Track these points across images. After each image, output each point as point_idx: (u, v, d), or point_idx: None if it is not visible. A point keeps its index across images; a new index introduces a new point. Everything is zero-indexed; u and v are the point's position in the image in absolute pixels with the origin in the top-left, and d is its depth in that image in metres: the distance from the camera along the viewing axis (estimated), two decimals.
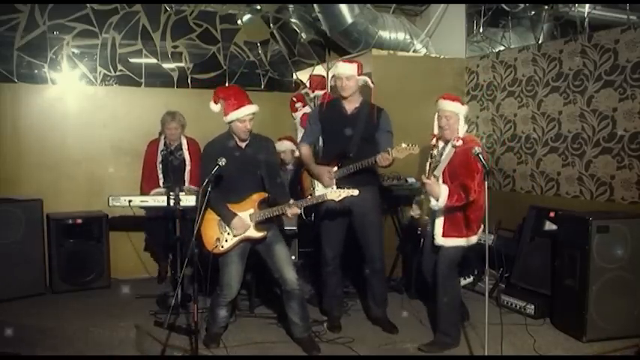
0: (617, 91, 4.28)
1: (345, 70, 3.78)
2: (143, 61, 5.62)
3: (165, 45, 5.67)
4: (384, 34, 5.64)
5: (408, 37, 5.79)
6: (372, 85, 4.01)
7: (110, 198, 4.46)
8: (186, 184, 4.79)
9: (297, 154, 4.99)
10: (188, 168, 4.84)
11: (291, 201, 3.55)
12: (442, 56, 5.70)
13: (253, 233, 3.53)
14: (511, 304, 4.39)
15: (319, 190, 3.80)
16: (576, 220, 3.89)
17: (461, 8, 5.89)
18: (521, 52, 5.14)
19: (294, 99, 5.67)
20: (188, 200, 4.29)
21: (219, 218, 3.55)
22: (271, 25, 6.10)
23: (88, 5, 5.36)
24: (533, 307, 4.23)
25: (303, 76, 6.18)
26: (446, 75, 5.55)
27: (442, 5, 5.93)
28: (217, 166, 3.27)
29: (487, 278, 3.38)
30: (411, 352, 3.68)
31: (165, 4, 5.63)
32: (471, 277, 4.96)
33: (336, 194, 3.41)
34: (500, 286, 4.70)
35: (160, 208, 4.43)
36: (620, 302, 3.78)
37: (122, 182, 5.18)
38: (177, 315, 4.13)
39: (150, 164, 4.92)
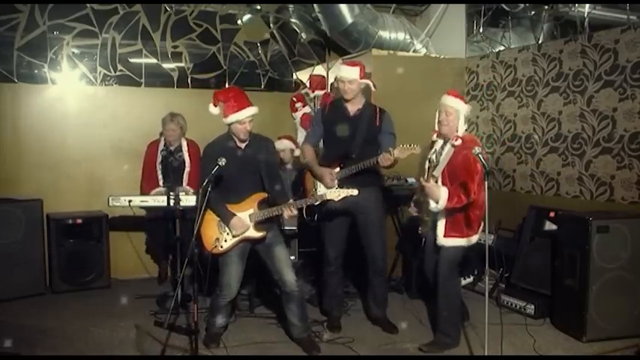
0: (617, 91, 4.28)
1: (347, 73, 3.79)
2: (143, 61, 5.62)
3: (165, 45, 5.67)
4: (384, 34, 5.64)
5: (408, 37, 5.79)
6: (374, 88, 4.01)
7: (110, 198, 4.46)
8: (184, 185, 4.78)
9: (296, 153, 5.00)
10: (187, 170, 4.84)
11: (291, 201, 3.55)
12: (442, 56, 5.70)
13: (253, 233, 3.53)
14: (511, 304, 4.39)
15: (321, 190, 3.80)
16: (576, 220, 3.89)
17: (461, 8, 5.89)
18: (521, 52, 5.14)
19: (294, 99, 5.67)
20: (188, 200, 4.29)
21: (218, 218, 3.55)
22: (271, 25, 6.10)
23: (88, 5, 5.36)
24: (533, 307, 4.23)
25: (303, 76, 6.18)
26: (446, 75, 5.55)
27: (442, 5, 5.93)
28: (217, 166, 3.27)
29: (487, 278, 3.38)
30: (411, 352, 3.68)
31: (165, 4, 5.63)
32: (471, 277, 4.96)
33: (335, 194, 3.42)
34: (500, 286, 4.70)
35: (160, 208, 4.43)
36: (620, 302, 3.78)
37: (122, 182, 5.18)
38: (177, 315, 4.13)
39: (150, 164, 4.92)
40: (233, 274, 3.57)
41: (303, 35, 6.21)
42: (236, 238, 3.52)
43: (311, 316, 3.92)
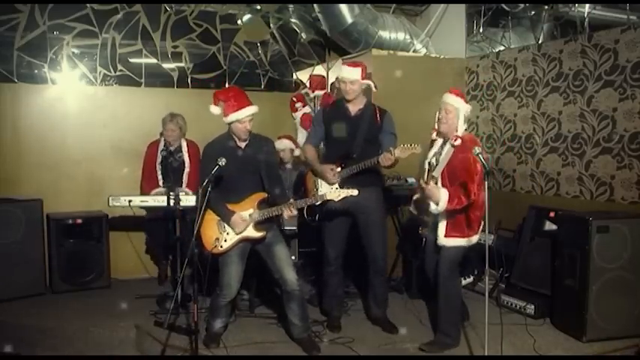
0: (617, 91, 4.28)
1: (349, 74, 3.79)
2: (143, 61, 5.62)
3: (165, 45, 5.67)
4: (384, 34, 5.64)
5: (408, 37, 5.79)
6: (375, 89, 4.01)
7: (110, 198, 4.46)
8: (184, 185, 4.78)
9: (296, 153, 5.00)
10: (187, 170, 4.84)
11: (291, 200, 3.55)
12: (442, 56, 5.70)
13: (253, 233, 3.53)
14: (511, 304, 4.39)
15: (322, 190, 3.80)
16: (576, 220, 3.89)
17: (461, 8, 5.89)
18: (521, 52, 5.14)
19: (294, 99, 5.67)
20: (188, 200, 4.29)
21: (218, 218, 3.55)
22: (271, 25, 6.10)
23: (88, 5, 5.36)
24: (533, 307, 4.23)
25: (303, 76, 6.18)
26: (446, 75, 5.55)
27: (442, 5, 5.93)
28: (217, 166, 3.27)
29: (487, 278, 3.38)
30: (411, 352, 3.68)
31: (165, 4, 5.63)
32: (471, 277, 4.96)
33: (335, 194, 3.43)
34: (500, 286, 4.70)
35: (160, 208, 4.43)
36: (620, 302, 3.78)
37: (122, 182, 5.18)
38: (177, 315, 4.13)
39: (150, 165, 4.92)
40: (233, 274, 3.57)
41: (303, 35, 6.21)
42: (236, 238, 3.52)
43: (311, 316, 3.92)
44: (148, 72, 5.64)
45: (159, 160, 4.89)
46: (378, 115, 3.86)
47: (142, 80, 5.62)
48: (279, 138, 4.84)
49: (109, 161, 5.33)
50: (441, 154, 3.64)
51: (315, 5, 5.56)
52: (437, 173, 3.57)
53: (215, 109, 3.53)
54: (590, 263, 3.72)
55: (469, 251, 3.73)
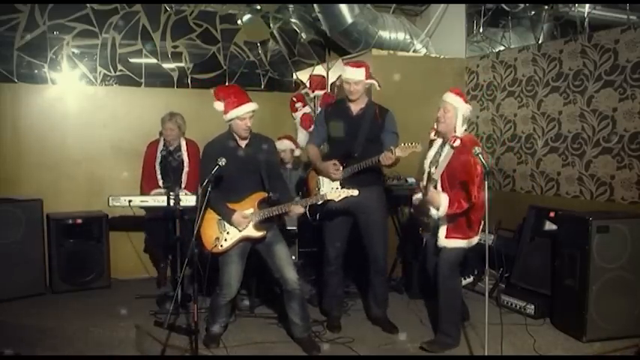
0: (617, 91, 4.28)
1: (353, 75, 3.79)
2: (143, 61, 5.63)
3: (165, 45, 5.67)
4: (384, 34, 5.64)
5: (408, 37, 5.79)
6: (379, 87, 4.01)
7: (110, 198, 4.46)
8: (183, 185, 4.78)
9: (296, 153, 5.01)
10: (186, 170, 4.83)
11: (296, 199, 3.55)
12: (442, 56, 5.70)
13: (253, 233, 3.53)
14: (511, 304, 4.39)
15: (323, 190, 3.80)
16: (576, 220, 3.89)
17: (461, 8, 5.89)
18: (521, 52, 5.14)
19: (294, 99, 5.67)
20: (188, 200, 4.29)
21: (218, 218, 3.55)
22: (271, 25, 6.10)
23: (88, 5, 5.36)
24: (533, 307, 4.23)
25: (303, 76, 6.18)
26: (446, 75, 5.55)
27: (442, 5, 5.93)
28: (217, 166, 3.27)
29: (487, 278, 3.38)
30: (411, 352, 3.68)
31: (165, 4, 5.63)
32: (471, 277, 4.96)
33: (336, 194, 3.43)
34: (500, 286, 4.70)
35: (160, 208, 4.43)
36: (620, 302, 3.78)
37: (122, 182, 5.18)
38: (177, 315, 4.13)
39: (149, 164, 4.92)
40: (233, 274, 3.57)
41: (303, 35, 6.21)
42: (236, 238, 3.52)
43: (311, 316, 3.91)
44: (148, 72, 5.64)
45: (158, 159, 4.89)
46: (379, 114, 3.86)
47: (142, 80, 5.62)
48: (280, 138, 4.85)
49: (109, 161, 5.33)
50: (440, 154, 3.63)
51: (315, 5, 5.56)
52: (436, 176, 3.55)
53: (219, 105, 3.53)
54: (590, 263, 3.72)
55: (469, 251, 3.73)
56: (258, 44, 6.08)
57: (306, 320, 3.68)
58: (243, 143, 3.58)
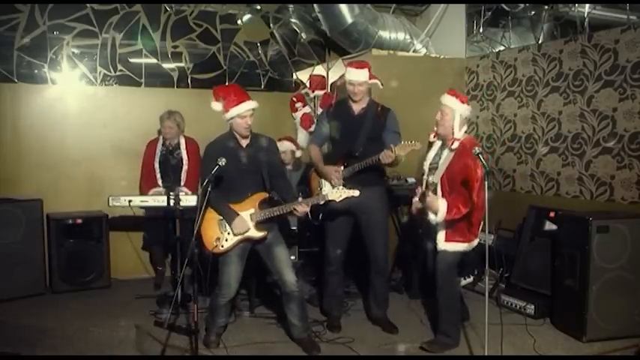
0: (617, 91, 4.28)
1: (357, 76, 3.79)
2: (143, 61, 5.63)
3: (165, 45, 5.67)
4: (384, 34, 5.64)
5: (408, 37, 5.79)
6: (381, 86, 4.01)
7: (110, 198, 4.46)
8: (182, 183, 4.78)
9: (297, 154, 5.01)
10: (185, 168, 4.83)
11: (300, 199, 3.55)
12: (442, 56, 5.70)
13: (253, 233, 3.53)
14: (511, 304, 4.39)
15: (325, 190, 3.80)
16: (576, 220, 3.89)
17: (461, 8, 5.89)
18: (521, 52, 5.14)
19: (294, 99, 5.67)
20: (188, 200, 4.29)
21: (219, 218, 3.54)
22: (271, 25, 6.10)
23: (88, 5, 5.36)
24: (533, 307, 4.23)
25: (303, 76, 6.18)
26: (446, 75, 5.55)
27: (442, 5, 5.93)
28: (217, 166, 3.27)
29: (487, 278, 3.38)
30: (411, 352, 3.68)
31: (165, 4, 5.63)
32: (471, 277, 4.95)
33: (337, 194, 3.43)
34: (500, 286, 4.70)
35: (160, 208, 4.42)
36: (620, 302, 3.78)
37: (122, 182, 5.18)
38: (177, 315, 4.13)
39: (148, 164, 4.91)
40: (233, 274, 3.57)
41: (303, 35, 6.21)
42: (237, 238, 3.52)
43: (311, 316, 3.92)
44: (148, 72, 5.64)
45: (158, 158, 4.88)
46: (381, 114, 3.86)
47: (142, 80, 5.62)
48: (280, 140, 4.85)
49: (109, 161, 5.34)
50: (440, 157, 3.61)
51: (315, 5, 5.56)
52: (436, 179, 3.54)
53: (216, 105, 3.53)
54: (590, 263, 3.72)
55: (469, 251, 3.72)
56: (258, 44, 6.08)
57: (304, 321, 3.68)
58: (244, 143, 3.57)
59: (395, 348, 3.75)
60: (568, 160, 4.68)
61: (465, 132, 3.60)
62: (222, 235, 3.52)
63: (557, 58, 4.75)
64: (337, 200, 3.43)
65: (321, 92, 5.68)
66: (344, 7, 5.38)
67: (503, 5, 5.98)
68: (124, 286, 5.06)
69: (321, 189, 3.89)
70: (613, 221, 3.78)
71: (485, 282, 3.39)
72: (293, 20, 6.14)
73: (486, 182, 3.22)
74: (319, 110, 5.54)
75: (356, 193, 3.43)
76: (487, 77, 5.47)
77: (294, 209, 3.45)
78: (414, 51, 5.79)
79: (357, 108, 3.90)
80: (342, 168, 3.82)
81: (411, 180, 4.88)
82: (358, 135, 3.82)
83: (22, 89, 5.15)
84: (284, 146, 4.84)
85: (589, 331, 3.76)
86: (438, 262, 3.61)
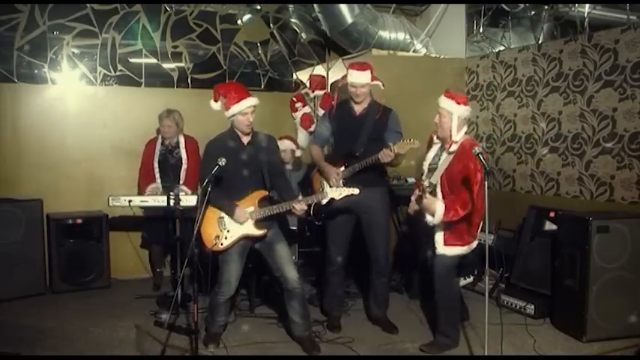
0: (617, 91, 4.28)
1: (359, 79, 3.79)
2: (143, 61, 5.63)
3: (165, 45, 5.67)
4: (384, 34, 5.64)
5: (408, 37, 5.79)
6: (382, 87, 4.01)
7: (110, 198, 4.46)
8: (182, 182, 4.78)
9: (297, 154, 5.01)
10: (184, 167, 4.83)
11: (300, 197, 3.55)
12: (442, 56, 5.70)
13: (253, 231, 3.53)
14: (511, 304, 4.39)
15: (327, 190, 3.80)
16: (576, 220, 3.89)
17: (461, 8, 5.89)
18: (521, 52, 5.14)
19: (294, 99, 5.67)
20: (188, 200, 4.28)
21: (218, 216, 3.54)
22: (271, 25, 6.10)
23: (88, 5, 5.36)
24: (533, 307, 4.23)
25: (303, 76, 6.18)
26: (446, 75, 5.55)
27: (442, 5, 5.93)
28: (217, 166, 3.27)
29: (487, 278, 3.37)
30: (410, 352, 3.68)
31: (166, 4, 5.63)
32: (471, 277, 4.95)
33: (337, 193, 3.44)
34: (500, 286, 4.70)
35: (160, 208, 4.42)
36: (620, 302, 3.78)
37: (122, 182, 5.18)
38: (177, 315, 4.13)
39: (147, 163, 4.90)
40: (233, 272, 3.57)
41: (303, 35, 6.21)
42: (236, 236, 3.52)
43: (311, 315, 3.91)
44: (148, 72, 5.64)
45: (157, 157, 4.87)
46: (382, 114, 3.86)
47: (142, 80, 5.62)
48: (281, 138, 4.84)
49: (109, 161, 5.34)
50: (439, 157, 3.60)
51: (315, 5, 5.56)
52: (435, 180, 3.53)
53: (215, 105, 3.53)
54: (590, 263, 3.72)
55: (468, 252, 3.71)
56: (258, 44, 6.08)
57: (306, 319, 3.68)
58: (245, 140, 3.57)
59: (395, 348, 3.75)
60: (568, 160, 4.68)
61: (466, 133, 3.57)
62: (222, 233, 3.52)
63: (557, 58, 4.75)
64: (337, 198, 3.43)
65: (321, 92, 5.67)
66: (344, 7, 5.38)
67: (503, 5, 5.99)
68: (124, 286, 5.06)
69: (322, 190, 3.89)
70: (613, 221, 3.78)
71: (486, 282, 3.39)
72: (293, 20, 6.14)
73: (486, 182, 3.21)
74: (319, 110, 5.54)
75: (356, 191, 3.43)
76: (487, 77, 5.47)
77: (293, 207, 3.45)
78: (414, 51, 5.79)
79: (358, 109, 3.90)
80: (343, 168, 3.83)
81: (411, 180, 4.88)
82: (359, 135, 3.83)
83: (22, 89, 5.15)
84: (284, 145, 4.84)
85: (589, 331, 3.76)
86: (436, 265, 3.59)
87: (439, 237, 3.55)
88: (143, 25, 5.56)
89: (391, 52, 5.53)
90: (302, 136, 5.54)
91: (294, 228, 4.56)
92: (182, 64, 5.75)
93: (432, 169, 3.62)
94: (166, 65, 5.70)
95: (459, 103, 3.47)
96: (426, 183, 3.53)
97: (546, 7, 5.91)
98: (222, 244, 3.51)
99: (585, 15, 5.32)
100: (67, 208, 5.07)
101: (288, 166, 4.89)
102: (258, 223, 3.53)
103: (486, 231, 3.21)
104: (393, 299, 4.39)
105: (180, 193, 4.32)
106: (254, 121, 3.53)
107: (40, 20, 5.22)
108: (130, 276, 5.28)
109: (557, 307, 4.08)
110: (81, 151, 5.28)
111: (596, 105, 4.44)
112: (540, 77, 4.91)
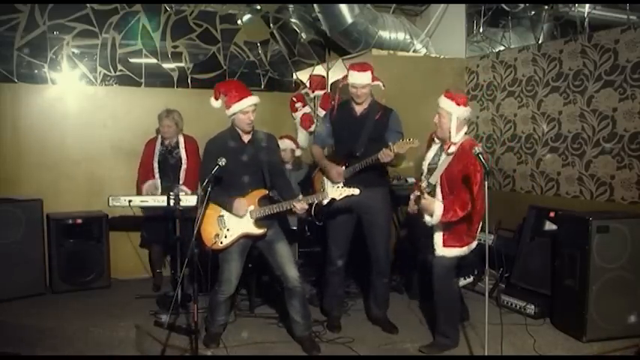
0: (617, 91, 4.28)
1: (360, 80, 3.79)
2: (143, 61, 5.63)
3: (165, 45, 5.67)
4: (384, 34, 5.64)
5: (408, 37, 5.79)
6: (383, 87, 4.02)
7: (110, 198, 4.46)
8: (181, 182, 4.78)
9: (297, 153, 5.01)
10: (184, 167, 4.82)
11: (300, 197, 3.55)
12: (442, 56, 5.70)
13: (253, 230, 3.53)
14: (511, 304, 4.39)
15: (328, 190, 3.80)
16: (576, 220, 3.89)
17: (461, 8, 5.89)
18: (521, 52, 5.14)
19: (294, 99, 5.67)
20: (188, 200, 4.28)
21: (218, 214, 3.54)
22: (271, 25, 6.10)
23: (88, 5, 5.36)
24: (533, 307, 4.23)
25: (303, 76, 6.18)
26: (446, 75, 5.55)
27: (442, 5, 5.93)
28: (217, 166, 3.27)
29: (487, 278, 3.37)
30: (410, 352, 3.68)
31: (166, 4, 5.63)
32: (471, 277, 4.95)
33: (337, 193, 3.43)
34: (500, 286, 4.70)
35: (160, 208, 4.42)
36: (620, 302, 3.78)
37: (122, 182, 5.18)
38: (177, 315, 4.13)
39: (147, 163, 4.89)
40: (233, 271, 3.57)
41: (303, 35, 6.21)
42: (236, 235, 3.52)
43: (311, 315, 3.91)
44: (148, 72, 5.64)
45: (157, 158, 4.87)
46: (383, 114, 3.86)
47: (142, 80, 5.62)
48: (281, 138, 4.83)
49: (109, 161, 5.34)
50: (439, 157, 3.58)
51: (315, 5, 5.56)
52: (434, 180, 3.51)
53: (215, 103, 3.53)
54: (590, 263, 3.72)
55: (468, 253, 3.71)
56: (258, 44, 6.08)
57: (307, 318, 3.68)
58: (245, 139, 3.56)
59: (395, 348, 3.75)
60: (568, 160, 4.68)
61: (466, 133, 3.54)
62: (222, 231, 3.52)
63: (557, 58, 4.75)
64: (337, 198, 3.43)
65: (321, 92, 5.67)
66: (344, 7, 5.38)
67: (503, 5, 5.99)
68: (124, 286, 5.06)
69: (323, 190, 3.88)
70: (613, 221, 3.78)
71: (486, 282, 3.39)
72: (293, 20, 6.14)
73: (486, 182, 3.20)
74: (319, 110, 5.54)
75: (356, 191, 3.43)
76: (487, 77, 5.47)
77: (294, 206, 3.45)
78: (414, 51, 5.79)
79: (359, 109, 3.91)
80: (344, 168, 3.83)
81: (411, 180, 4.88)
82: (359, 135, 3.83)
83: (22, 89, 5.15)
84: (284, 144, 4.83)
85: (589, 331, 3.76)
86: (435, 266, 3.58)
87: (438, 238, 3.54)
88: (143, 25, 5.57)
89: (391, 52, 5.53)
90: (302, 136, 5.54)
91: (295, 228, 4.56)
92: (182, 64, 5.75)
93: (431, 170, 3.61)
94: (166, 65, 5.70)
95: (458, 104, 3.45)
96: (423, 184, 3.52)
97: (546, 7, 5.91)
98: (222, 243, 3.50)
99: (585, 15, 5.32)
100: (67, 208, 5.07)
101: (288, 166, 4.89)
102: (258, 222, 3.53)
103: (486, 231, 3.21)
104: (393, 299, 4.39)
105: (180, 193, 4.32)
106: (254, 120, 3.53)
107: (40, 20, 5.22)
108: (130, 276, 5.28)
109: (557, 307, 4.08)
110: (81, 151, 5.28)
111: (596, 105, 4.44)
112: (540, 77, 4.91)
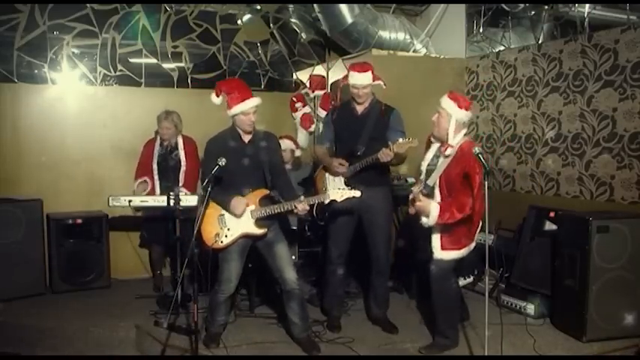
0: (617, 91, 4.28)
1: (361, 80, 3.79)
2: (143, 61, 5.62)
3: (165, 45, 5.67)
4: (384, 34, 5.64)
5: (408, 37, 5.79)
6: (384, 86, 4.02)
7: (110, 198, 4.45)
8: (181, 184, 4.77)
9: (297, 153, 5.01)
10: (183, 169, 4.81)
11: (301, 197, 3.55)
12: (442, 56, 5.70)
13: (254, 230, 3.52)
14: (511, 304, 4.39)
15: (329, 190, 3.80)
16: (576, 220, 3.89)
17: (461, 8, 5.89)
18: (521, 52, 5.14)
19: (294, 99, 5.67)
20: (188, 201, 4.28)
21: (218, 214, 3.54)
22: (271, 25, 6.10)
23: (88, 5, 5.36)
24: (533, 307, 4.23)
25: (303, 76, 6.18)
26: (446, 75, 5.55)
27: (442, 5, 5.93)
28: (217, 167, 3.27)
29: (487, 278, 3.37)
30: (410, 352, 3.68)
31: (166, 4, 5.63)
32: (471, 277, 4.95)
33: (338, 194, 3.43)
34: (500, 286, 4.70)
35: (159, 208, 4.41)
36: (620, 302, 3.78)
37: (122, 182, 5.17)
38: (177, 315, 4.13)
39: (146, 164, 4.86)
40: (233, 270, 3.57)
41: (303, 35, 6.21)
42: (236, 234, 3.51)
43: (311, 315, 3.92)
44: (148, 72, 5.64)
45: (156, 159, 4.86)
46: (384, 113, 3.87)
47: (142, 80, 5.61)
48: (280, 138, 4.83)
49: (109, 161, 5.33)
50: (438, 157, 3.57)
51: (315, 5, 5.56)
52: (432, 181, 3.50)
53: (216, 99, 3.52)
54: (590, 263, 3.72)
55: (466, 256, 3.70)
56: (258, 44, 6.08)
57: (305, 320, 3.68)
58: (246, 139, 3.56)
59: (395, 348, 3.75)
60: (568, 160, 4.68)
61: (465, 134, 3.51)
62: (222, 230, 3.52)
63: (557, 58, 4.75)
64: (338, 200, 3.43)
65: (321, 92, 5.68)
66: (344, 7, 5.38)
67: (503, 5, 5.99)
68: (124, 286, 5.06)
69: (325, 190, 3.89)
70: (613, 221, 3.78)
71: (486, 282, 3.39)
72: (293, 20, 6.14)
73: (486, 182, 3.19)
74: (319, 110, 5.54)
75: (357, 193, 3.43)
76: (487, 77, 5.47)
77: (295, 206, 3.45)
78: (414, 51, 5.79)
79: (360, 108, 3.91)
80: (347, 164, 3.82)
81: (411, 180, 4.88)
82: (360, 135, 3.83)
83: (22, 89, 5.15)
84: (284, 144, 4.83)
85: (589, 331, 3.76)
86: (433, 267, 3.57)
87: (436, 241, 3.52)
88: (143, 25, 5.57)
89: (391, 52, 5.53)
90: (302, 136, 5.54)
91: (295, 228, 4.56)
92: (182, 64, 5.75)
93: (429, 171, 3.58)
94: (166, 65, 5.70)
95: (460, 107, 3.42)
96: (415, 189, 3.51)
97: (546, 7, 5.91)
98: (222, 242, 3.50)
99: (585, 15, 5.32)
100: (67, 208, 5.07)
101: (288, 166, 4.87)
102: (259, 222, 3.52)
103: (486, 231, 3.21)
104: (393, 299, 4.40)
105: (180, 193, 4.32)
106: (255, 120, 3.53)
107: (40, 20, 5.22)
108: (130, 276, 5.28)
109: (557, 307, 4.08)
110: (81, 151, 5.28)
111: (596, 105, 4.44)
112: (540, 77, 4.91)
